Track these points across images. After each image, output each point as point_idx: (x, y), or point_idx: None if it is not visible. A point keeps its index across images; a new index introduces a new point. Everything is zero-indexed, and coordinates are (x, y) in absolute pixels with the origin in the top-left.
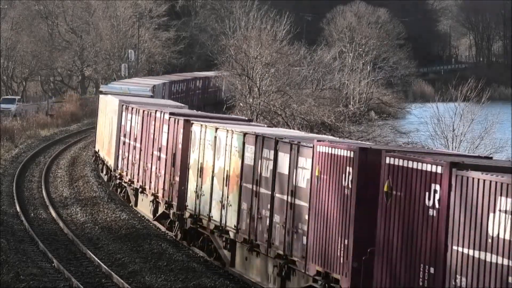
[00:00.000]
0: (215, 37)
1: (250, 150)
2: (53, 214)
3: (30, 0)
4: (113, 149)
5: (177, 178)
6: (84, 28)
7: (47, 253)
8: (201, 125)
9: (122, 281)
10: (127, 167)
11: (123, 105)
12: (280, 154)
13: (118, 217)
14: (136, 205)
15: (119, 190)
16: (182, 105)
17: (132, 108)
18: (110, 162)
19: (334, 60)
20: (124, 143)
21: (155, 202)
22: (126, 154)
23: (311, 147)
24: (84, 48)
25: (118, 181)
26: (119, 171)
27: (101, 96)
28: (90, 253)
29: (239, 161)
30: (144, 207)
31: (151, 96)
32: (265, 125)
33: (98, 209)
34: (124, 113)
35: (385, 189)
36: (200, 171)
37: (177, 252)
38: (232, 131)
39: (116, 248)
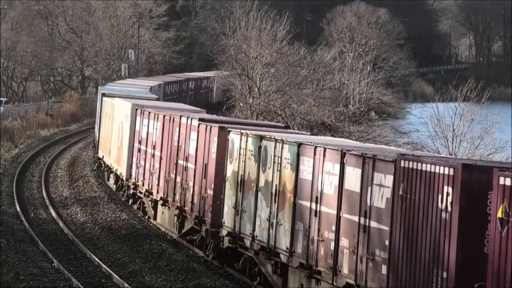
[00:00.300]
0: (215, 37)
1: (306, 163)
2: (53, 214)
3: (30, 0)
4: (125, 157)
5: (210, 191)
6: (84, 28)
7: (47, 253)
8: (241, 133)
9: (122, 281)
10: (144, 176)
11: (137, 109)
12: (348, 169)
13: (118, 217)
14: (155, 218)
15: (130, 200)
16: (199, 109)
17: (149, 113)
18: (121, 170)
19: (334, 60)
20: (139, 150)
21: (181, 216)
22: (142, 162)
23: (391, 161)
24: (84, 48)
25: (132, 191)
26: (133, 180)
27: (105, 99)
28: (90, 253)
29: (292, 175)
30: (166, 221)
31: (157, 99)
32: (308, 133)
33: (98, 209)
34: (138, 118)
35: (499, 214)
36: (241, 184)
37: (177, 252)
38: (283, 140)
39: (116, 248)
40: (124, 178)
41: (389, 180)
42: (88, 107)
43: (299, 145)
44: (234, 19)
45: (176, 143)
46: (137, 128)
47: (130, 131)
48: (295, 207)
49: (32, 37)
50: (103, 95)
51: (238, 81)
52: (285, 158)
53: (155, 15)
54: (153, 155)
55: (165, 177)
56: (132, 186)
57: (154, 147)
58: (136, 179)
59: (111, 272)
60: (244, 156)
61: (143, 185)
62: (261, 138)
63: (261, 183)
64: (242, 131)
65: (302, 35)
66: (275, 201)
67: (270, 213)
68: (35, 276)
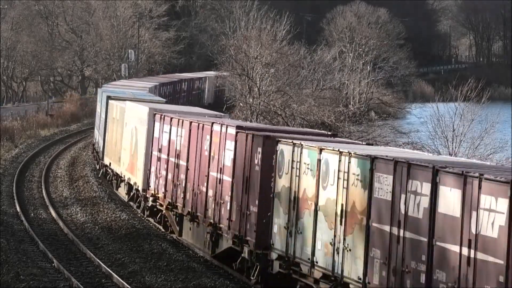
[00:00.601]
0: (215, 37)
1: (383, 180)
2: (53, 214)
3: (30, 0)
4: (141, 165)
5: (254, 208)
6: (84, 28)
7: (47, 253)
8: (294, 144)
9: (122, 281)
10: (165, 188)
11: (155, 114)
12: (443, 189)
13: (118, 217)
14: (180, 234)
15: (146, 211)
16: (220, 113)
17: (171, 118)
18: (135, 180)
19: (334, 60)
20: (158, 159)
21: (215, 234)
22: (163, 172)
23: (505, 182)
24: (84, 48)
25: (150, 203)
26: (152, 191)
27: (112, 102)
28: (90, 253)
29: (364, 194)
30: (195, 238)
31: (166, 102)
32: (364, 143)
33: (98, 209)
34: (157, 124)
35: None
36: (294, 202)
37: (177, 252)
38: (350, 154)
39: (116, 248)
40: (140, 189)
41: (502, 204)
42: (88, 107)
43: (373, 159)
44: (234, 19)
45: (206, 153)
46: (156, 134)
47: (147, 137)
48: (368, 230)
49: (32, 37)
50: (109, 98)
51: (238, 81)
52: (354, 174)
53: (155, 15)
54: (177, 165)
55: (193, 189)
56: (150, 198)
57: (178, 156)
58: (156, 190)
59: (111, 272)
60: (298, 170)
61: (164, 197)
62: (321, 150)
63: (321, 201)
64: (295, 141)
65: (302, 35)
66: (340, 223)
67: (335, 236)
68: (35, 276)
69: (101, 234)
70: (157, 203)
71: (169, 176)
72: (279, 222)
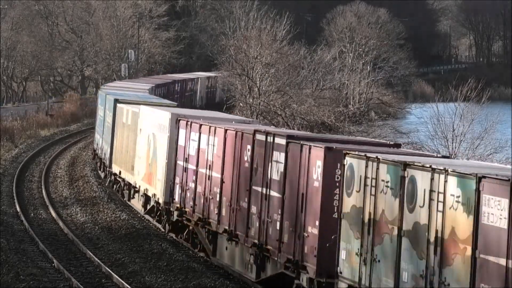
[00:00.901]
0: (215, 37)
1: (495, 204)
2: (53, 214)
3: (30, 0)
4: (162, 176)
5: (313, 230)
6: (84, 28)
7: (47, 253)
8: (367, 157)
9: (122, 281)
10: (195, 201)
11: (179, 120)
12: None
13: (118, 217)
14: (214, 253)
15: (167, 226)
16: (249, 119)
17: (201, 125)
18: (154, 191)
19: (334, 60)
20: (185, 169)
21: (261, 256)
22: (191, 184)
23: None
24: (84, 48)
25: (175, 217)
26: (177, 205)
27: (121, 106)
28: (90, 253)
29: (468, 219)
30: (234, 259)
31: (178, 105)
32: (439, 155)
33: (98, 209)
34: (182, 131)
35: None
36: (370, 225)
37: (177, 252)
38: (446, 171)
39: (116, 248)
40: (161, 201)
41: None
42: (88, 107)
43: (480, 178)
44: (234, 19)
45: (248, 165)
46: (181, 142)
47: (169, 145)
48: (474, 263)
49: (32, 37)
50: (117, 101)
51: (238, 81)
52: (452, 195)
53: (155, 15)
54: (210, 177)
55: (230, 205)
56: (175, 212)
57: (210, 167)
58: (182, 204)
59: (111, 272)
60: (374, 188)
61: (193, 211)
62: (405, 165)
63: (407, 225)
64: (368, 154)
65: (302, 35)
66: (434, 252)
67: (427, 268)
68: (35, 276)
69: (101, 234)
70: (184, 218)
71: (199, 189)
72: (348, 247)
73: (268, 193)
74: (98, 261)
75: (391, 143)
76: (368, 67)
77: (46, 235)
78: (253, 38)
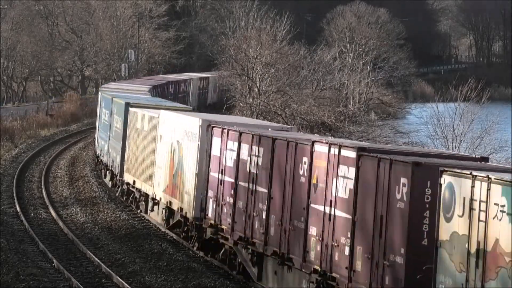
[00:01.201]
0: (215, 37)
1: None
2: (53, 214)
3: (30, 0)
4: (191, 188)
5: (397, 258)
6: (84, 28)
7: (47, 253)
8: (473, 176)
9: (122, 281)
10: (234, 218)
11: (213, 127)
12: None
13: (118, 217)
14: (259, 278)
15: (195, 244)
16: (286, 126)
17: (241, 133)
18: (181, 205)
19: (334, 60)
20: (221, 182)
21: (324, 285)
22: (229, 199)
23: None
24: (84, 48)
25: (208, 235)
26: (211, 221)
27: (135, 110)
28: (90, 253)
29: None
30: (287, 285)
31: (193, 109)
32: None
33: (98, 209)
34: (217, 140)
35: None
36: (478, 256)
37: (177, 252)
38: None
39: (116, 248)
40: (189, 216)
41: None
42: (88, 107)
43: None
44: (234, 19)
45: (304, 179)
46: (215, 152)
47: (199, 155)
48: None
49: (32, 37)
50: (129, 105)
51: (238, 81)
52: None
53: (155, 15)
54: (253, 192)
55: (281, 224)
56: (209, 230)
57: (254, 181)
58: (217, 220)
59: (111, 272)
60: (483, 214)
61: (232, 229)
62: None
63: None
64: (474, 172)
65: (302, 35)
66: None
67: None
68: (35, 276)
69: (101, 234)
70: (219, 236)
71: (240, 205)
72: (448, 281)
73: (332, 213)
74: (98, 261)
75: (477, 156)
76: (368, 67)
77: (46, 235)
78: (253, 38)
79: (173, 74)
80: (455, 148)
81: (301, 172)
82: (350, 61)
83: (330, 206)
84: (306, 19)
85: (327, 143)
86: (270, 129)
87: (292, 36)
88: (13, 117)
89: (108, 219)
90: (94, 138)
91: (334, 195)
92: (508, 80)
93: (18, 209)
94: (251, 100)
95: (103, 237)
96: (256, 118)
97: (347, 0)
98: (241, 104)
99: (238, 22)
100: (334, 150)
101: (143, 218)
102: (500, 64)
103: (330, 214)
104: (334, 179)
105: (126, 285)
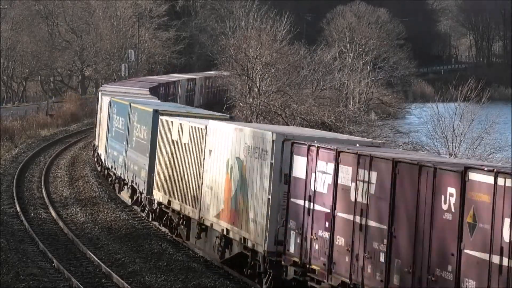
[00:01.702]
0: (215, 37)
1: None
2: (53, 214)
3: (30, 0)
4: (261, 216)
5: None
6: (84, 28)
7: (47, 253)
8: None
9: (122, 281)
10: (330, 258)
11: (293, 143)
12: None
13: (118, 217)
14: None
15: (267, 282)
16: (377, 141)
17: (339, 152)
18: (245, 234)
19: (334, 60)
20: (308, 212)
21: None
22: (322, 233)
23: None
24: (84, 48)
25: (292, 275)
26: (295, 258)
27: (165, 119)
28: (90, 253)
29: None
30: None
31: (230, 118)
32: None
33: (98, 209)
34: (300, 159)
35: None
36: None
37: (177, 252)
38: None
39: (116, 248)
40: (260, 250)
41: None
42: (88, 107)
43: None
44: (234, 19)
45: (451, 217)
46: (299, 174)
47: (272, 176)
48: None
49: (32, 37)
50: (157, 112)
51: (238, 81)
52: None
53: (155, 15)
54: (362, 227)
55: (412, 272)
56: (292, 269)
57: (362, 213)
58: (304, 257)
59: (111, 272)
60: None
61: (329, 272)
62: None
63: None
64: None
65: (302, 35)
66: None
67: None
68: (35, 276)
69: (101, 234)
70: (308, 277)
71: (340, 242)
72: None
73: (500, 263)
74: (98, 261)
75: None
76: (368, 67)
77: (46, 235)
78: (253, 38)
79: (163, 76)
80: (455, 148)
81: (444, 207)
82: (350, 61)
83: (500, 254)
84: (306, 19)
85: (493, 171)
86: (357, 145)
87: (292, 36)
88: (13, 117)
89: (108, 219)
90: (94, 139)
91: (500, 239)
92: (508, 80)
93: (18, 209)
94: (251, 100)
95: (103, 237)
96: (256, 118)
97: (347, 0)
98: (241, 104)
99: (238, 22)
100: (501, 181)
101: (143, 218)
102: (500, 64)
103: (499, 265)
104: (500, 219)
105: (126, 285)
